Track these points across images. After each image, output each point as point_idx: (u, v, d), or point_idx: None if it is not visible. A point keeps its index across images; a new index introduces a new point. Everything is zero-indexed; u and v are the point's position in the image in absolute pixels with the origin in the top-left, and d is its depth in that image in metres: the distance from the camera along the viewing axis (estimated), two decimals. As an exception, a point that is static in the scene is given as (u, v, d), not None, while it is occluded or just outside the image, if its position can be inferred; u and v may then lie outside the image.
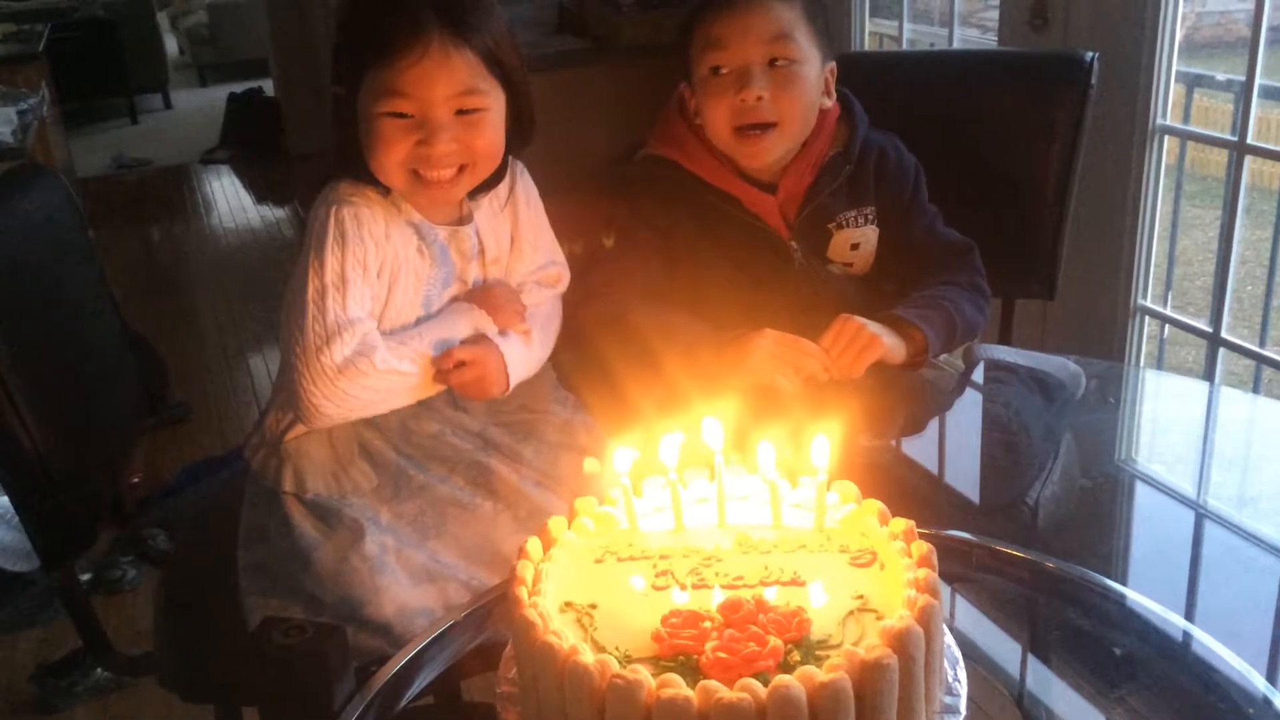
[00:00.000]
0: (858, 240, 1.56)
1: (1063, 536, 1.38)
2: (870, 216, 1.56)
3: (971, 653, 1.10)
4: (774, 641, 0.76)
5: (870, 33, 3.09)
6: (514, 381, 1.37)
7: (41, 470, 1.24)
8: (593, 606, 0.83)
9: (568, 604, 0.84)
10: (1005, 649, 1.21)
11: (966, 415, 1.55)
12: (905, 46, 2.90)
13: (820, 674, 0.72)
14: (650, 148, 1.56)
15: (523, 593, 0.83)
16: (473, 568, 1.26)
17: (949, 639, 0.88)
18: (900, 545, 0.86)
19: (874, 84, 1.72)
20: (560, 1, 3.88)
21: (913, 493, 1.31)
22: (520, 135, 1.37)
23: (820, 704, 0.71)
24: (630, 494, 0.92)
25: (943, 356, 1.56)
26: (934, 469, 1.40)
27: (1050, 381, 1.64)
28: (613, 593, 0.85)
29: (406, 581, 1.23)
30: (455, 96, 1.26)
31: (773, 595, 0.82)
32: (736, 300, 1.47)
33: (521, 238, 1.45)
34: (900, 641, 0.75)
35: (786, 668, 0.75)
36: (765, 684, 0.72)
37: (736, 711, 0.70)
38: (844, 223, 1.55)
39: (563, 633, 0.79)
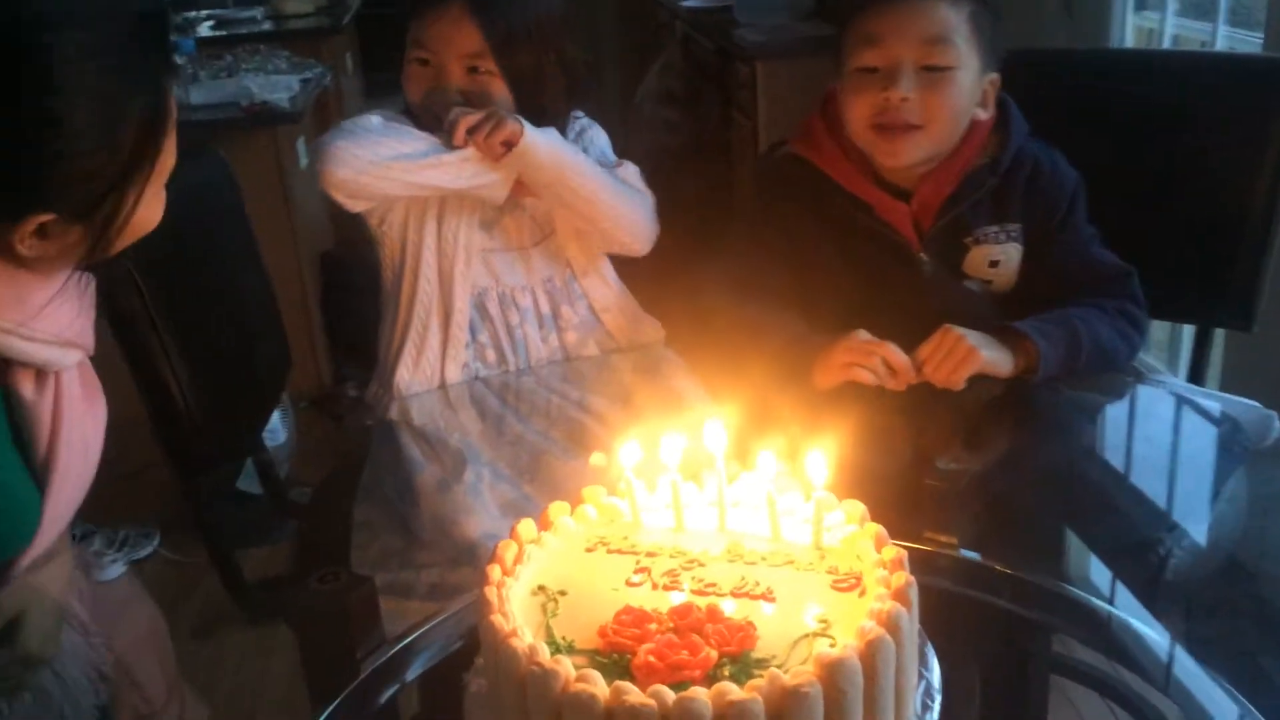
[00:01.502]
0: (997, 257, 1.46)
1: (1200, 597, 1.24)
2: (1014, 233, 1.46)
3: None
4: (708, 652, 0.75)
5: (1136, 27, 2.86)
6: (528, 132, 1.41)
7: (187, 413, 1.39)
8: (562, 593, 0.84)
9: (540, 588, 0.85)
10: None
11: (1104, 444, 1.42)
12: (1167, 44, 2.67)
13: (736, 692, 0.71)
14: (790, 146, 1.53)
15: (494, 572, 0.85)
16: None
17: (934, 679, 0.83)
18: (883, 574, 0.82)
19: (1062, 83, 1.61)
20: (821, -16, 3.82)
21: (1008, 526, 1.22)
22: (573, 96, 1.53)
23: (725, 723, 0.70)
24: (633, 488, 0.93)
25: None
26: (1045, 500, 1.30)
27: (1223, 422, 1.48)
28: (588, 582, 0.86)
29: (495, 512, 1.32)
30: (466, 58, 1.45)
31: (730, 607, 0.81)
32: (858, 308, 1.42)
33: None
34: (830, 672, 0.71)
35: (714, 680, 0.74)
36: (681, 693, 0.71)
37: (638, 717, 0.70)
38: (982, 238, 1.46)
39: (516, 615, 0.80)
